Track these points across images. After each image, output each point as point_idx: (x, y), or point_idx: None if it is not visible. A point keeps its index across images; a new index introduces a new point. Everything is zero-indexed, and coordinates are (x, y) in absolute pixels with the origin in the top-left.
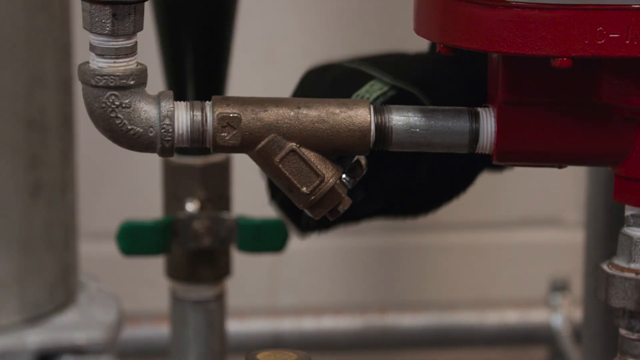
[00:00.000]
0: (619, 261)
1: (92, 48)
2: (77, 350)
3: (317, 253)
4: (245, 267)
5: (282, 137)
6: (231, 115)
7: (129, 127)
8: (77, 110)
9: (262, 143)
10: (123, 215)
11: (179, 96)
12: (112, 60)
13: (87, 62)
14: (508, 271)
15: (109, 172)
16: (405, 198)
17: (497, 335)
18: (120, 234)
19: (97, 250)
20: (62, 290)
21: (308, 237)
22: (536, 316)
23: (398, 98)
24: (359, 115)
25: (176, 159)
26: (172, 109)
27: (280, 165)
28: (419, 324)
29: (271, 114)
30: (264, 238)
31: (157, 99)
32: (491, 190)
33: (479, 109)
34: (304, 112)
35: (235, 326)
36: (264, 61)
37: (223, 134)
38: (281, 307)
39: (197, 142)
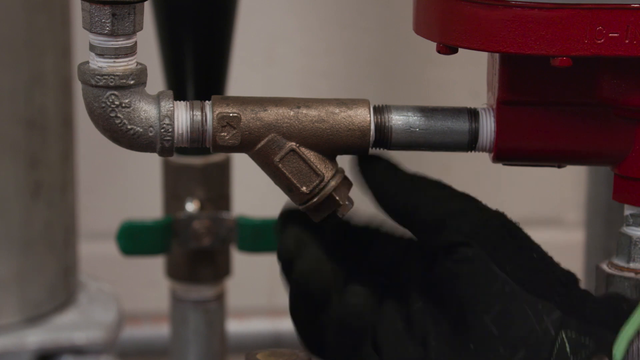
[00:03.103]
0: (618, 260)
1: (92, 48)
2: (77, 350)
3: None
4: (245, 267)
5: (282, 136)
6: (231, 114)
7: (129, 127)
8: (77, 110)
9: (262, 143)
10: (123, 215)
11: (179, 96)
12: (112, 60)
13: (87, 62)
14: None
15: (109, 172)
16: None
17: None
18: (120, 234)
19: (97, 250)
20: (62, 290)
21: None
22: None
23: None
24: (358, 114)
25: (176, 158)
26: (171, 108)
27: (280, 165)
28: None
29: (271, 114)
30: (264, 238)
31: (157, 99)
32: (491, 190)
33: (479, 109)
34: (304, 111)
35: (235, 326)
36: (264, 61)
37: (223, 134)
38: (281, 307)
39: (197, 142)
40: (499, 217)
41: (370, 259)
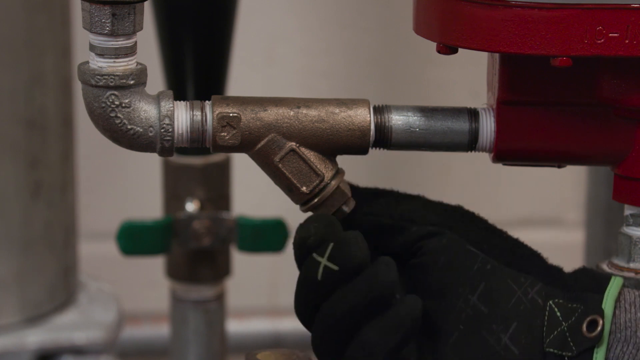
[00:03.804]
0: (618, 260)
1: (92, 48)
2: (77, 350)
3: None
4: (245, 267)
5: (282, 136)
6: (231, 114)
7: (129, 127)
8: (77, 110)
9: (262, 143)
10: (123, 215)
11: (179, 96)
12: (112, 60)
13: (87, 62)
14: None
15: (109, 172)
16: None
17: None
18: (120, 234)
19: (97, 250)
20: (62, 290)
21: None
22: None
23: None
24: (358, 114)
25: (176, 159)
26: (171, 108)
27: (280, 165)
28: None
29: (271, 114)
30: (264, 238)
31: (157, 99)
32: (491, 190)
33: (479, 109)
34: (304, 111)
35: (235, 326)
36: (264, 61)
37: (223, 134)
38: (281, 307)
39: (197, 142)
40: (460, 207)
41: None
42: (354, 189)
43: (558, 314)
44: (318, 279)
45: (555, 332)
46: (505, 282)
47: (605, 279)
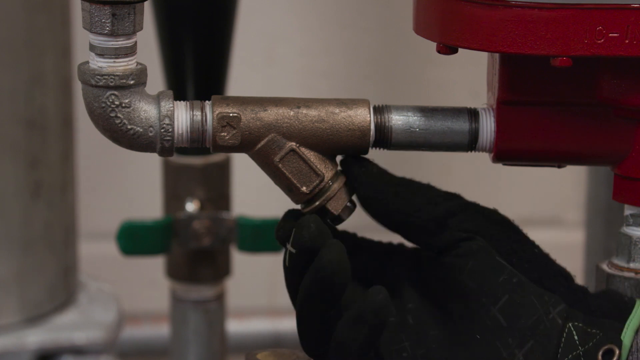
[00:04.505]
0: (618, 261)
1: (92, 48)
2: (77, 350)
3: None
4: (245, 267)
5: (282, 136)
6: (231, 114)
7: (129, 127)
8: (77, 110)
9: (262, 143)
10: (123, 215)
11: (179, 96)
12: (112, 60)
13: (87, 62)
14: None
15: (109, 172)
16: None
17: None
18: (120, 234)
19: (97, 250)
20: (62, 290)
21: None
22: None
23: None
24: (358, 114)
25: (176, 158)
26: (171, 108)
27: (280, 165)
28: None
29: (271, 114)
30: (264, 238)
31: (157, 99)
32: (491, 190)
33: (479, 109)
34: (304, 111)
35: (235, 326)
36: (264, 61)
37: (223, 134)
38: (281, 307)
39: (197, 142)
40: (496, 213)
41: (352, 263)
42: (391, 178)
43: (576, 337)
44: (286, 265)
45: (570, 356)
46: (528, 299)
47: (628, 306)
